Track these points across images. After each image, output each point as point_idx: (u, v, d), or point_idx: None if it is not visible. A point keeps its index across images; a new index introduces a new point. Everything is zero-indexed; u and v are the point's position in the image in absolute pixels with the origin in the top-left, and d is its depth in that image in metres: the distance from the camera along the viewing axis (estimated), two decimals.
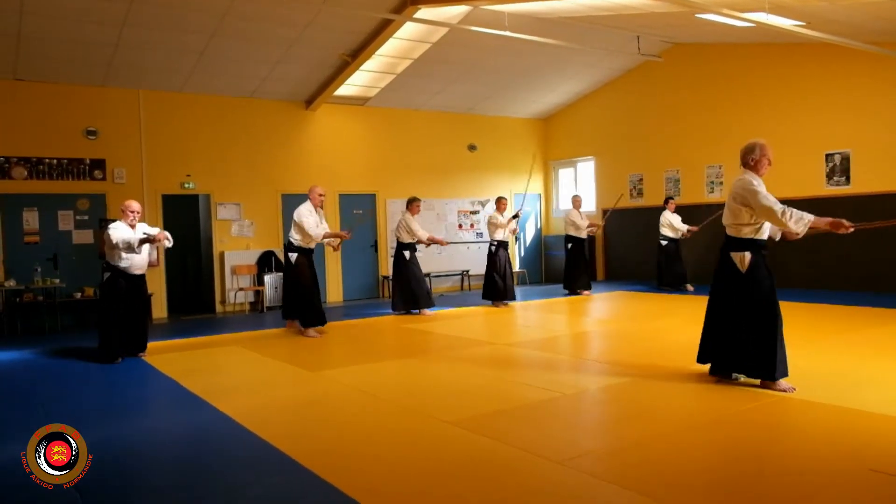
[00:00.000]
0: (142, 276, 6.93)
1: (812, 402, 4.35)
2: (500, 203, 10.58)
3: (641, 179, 13.16)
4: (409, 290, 9.65)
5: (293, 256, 8.05)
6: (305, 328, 7.99)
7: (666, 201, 11.62)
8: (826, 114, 10.33)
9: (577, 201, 11.96)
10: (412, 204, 9.82)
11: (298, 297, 8.01)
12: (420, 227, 9.88)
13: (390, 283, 10.24)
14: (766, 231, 4.78)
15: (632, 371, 5.45)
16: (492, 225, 10.43)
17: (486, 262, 10.50)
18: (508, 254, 10.55)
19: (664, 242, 11.54)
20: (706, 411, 4.33)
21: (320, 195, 8.10)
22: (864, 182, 9.87)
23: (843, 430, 3.88)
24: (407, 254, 9.78)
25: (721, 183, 11.66)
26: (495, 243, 10.38)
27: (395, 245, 12.96)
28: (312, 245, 8.13)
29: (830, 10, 8.03)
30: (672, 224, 11.41)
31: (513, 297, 10.37)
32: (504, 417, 4.30)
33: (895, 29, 8.81)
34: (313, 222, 7.97)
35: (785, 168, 10.98)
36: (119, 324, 6.68)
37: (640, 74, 12.87)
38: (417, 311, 9.65)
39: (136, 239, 6.52)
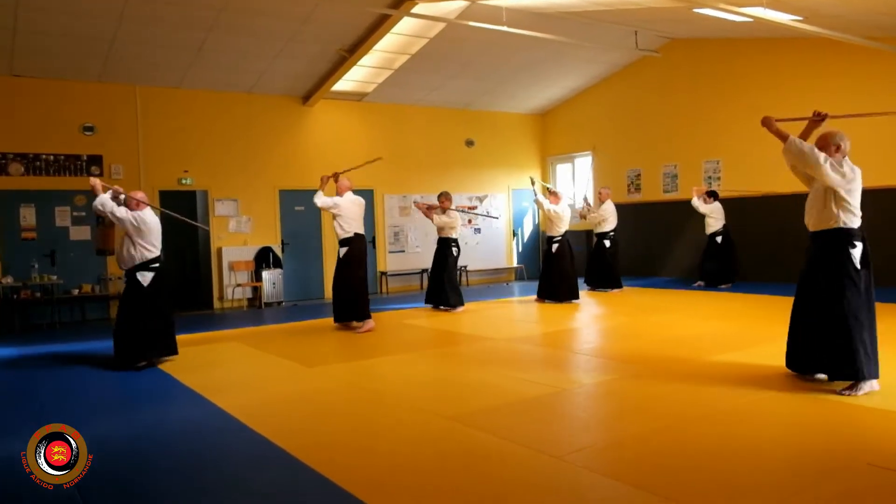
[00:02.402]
0: (135, 272, 6.09)
1: (809, 397, 4.36)
2: (556, 196, 10.08)
3: (639, 174, 13.15)
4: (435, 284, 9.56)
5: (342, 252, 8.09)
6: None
7: (710, 195, 10.87)
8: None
9: (602, 195, 11.15)
10: (440, 198, 9.68)
11: None
12: (440, 219, 9.60)
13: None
14: (817, 220, 4.66)
15: (630, 366, 5.46)
16: (553, 219, 9.92)
17: (542, 260, 10.29)
18: (569, 249, 9.95)
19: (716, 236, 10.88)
20: (704, 405, 4.34)
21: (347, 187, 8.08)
22: (863, 176, 9.84)
23: (841, 424, 3.90)
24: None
25: (719, 178, 11.62)
26: (557, 239, 9.94)
27: (392, 241, 13.13)
28: (342, 234, 7.99)
29: (828, 5, 8.03)
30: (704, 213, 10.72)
31: (576, 296, 9.79)
32: (503, 412, 4.31)
33: (892, 24, 8.81)
34: (326, 199, 7.93)
35: (781, 162, 10.96)
36: (127, 325, 6.14)
37: (638, 69, 12.86)
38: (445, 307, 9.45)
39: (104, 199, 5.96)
